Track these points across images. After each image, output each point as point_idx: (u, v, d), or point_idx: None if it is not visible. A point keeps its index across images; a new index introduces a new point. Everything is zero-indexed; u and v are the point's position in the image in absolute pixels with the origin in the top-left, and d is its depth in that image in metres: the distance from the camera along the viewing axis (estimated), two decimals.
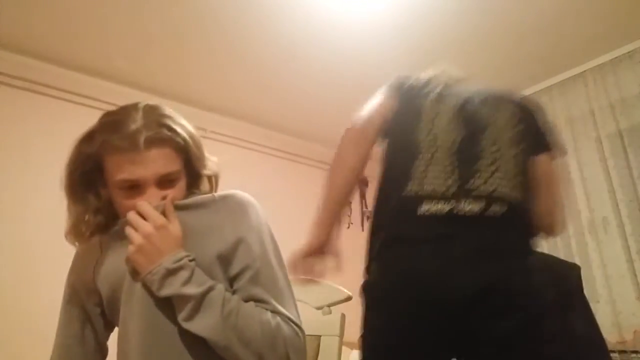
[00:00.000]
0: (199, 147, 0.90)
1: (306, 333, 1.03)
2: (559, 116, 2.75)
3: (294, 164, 3.43)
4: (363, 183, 2.76)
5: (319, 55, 2.53)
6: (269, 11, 2.18)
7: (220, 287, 0.78)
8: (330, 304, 1.01)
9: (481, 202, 0.95)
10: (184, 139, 0.85)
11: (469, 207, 0.94)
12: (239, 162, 3.12)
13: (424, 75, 1.30)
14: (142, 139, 0.80)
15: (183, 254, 0.78)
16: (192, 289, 0.75)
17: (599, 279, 2.39)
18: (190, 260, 0.78)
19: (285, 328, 0.78)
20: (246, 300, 0.79)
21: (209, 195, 0.89)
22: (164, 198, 0.83)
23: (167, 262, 0.77)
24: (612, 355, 1.78)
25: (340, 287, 1.05)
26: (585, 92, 2.65)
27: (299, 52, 2.50)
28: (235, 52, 2.49)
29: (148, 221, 0.79)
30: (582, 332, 1.19)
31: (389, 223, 1.01)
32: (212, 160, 0.96)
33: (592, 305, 1.24)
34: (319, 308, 1.03)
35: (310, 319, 1.04)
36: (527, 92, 2.89)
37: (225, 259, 0.81)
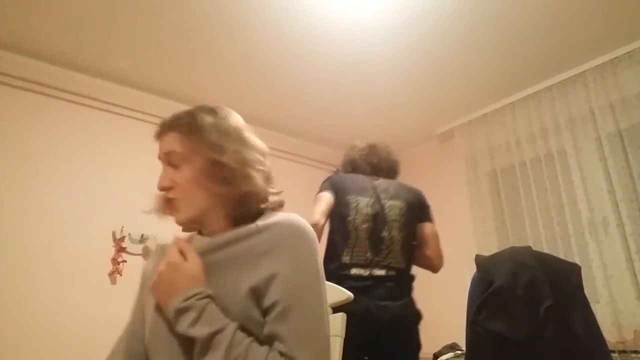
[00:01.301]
0: (220, 137, 0.87)
1: None
2: (559, 116, 2.75)
3: (294, 163, 3.43)
4: None
5: (320, 55, 2.53)
6: (269, 11, 2.18)
7: (231, 328, 0.73)
8: (332, 304, 1.01)
9: (384, 269, 1.74)
10: (190, 124, 0.88)
11: (378, 272, 1.73)
12: None
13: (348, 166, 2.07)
14: (161, 125, 0.91)
15: (194, 291, 0.76)
16: (198, 331, 0.73)
17: (599, 279, 2.39)
18: (203, 298, 0.76)
19: None
20: (269, 337, 0.74)
21: (252, 226, 0.84)
22: (171, 180, 0.87)
23: (176, 301, 0.76)
24: (612, 355, 1.78)
25: (342, 288, 1.05)
26: (585, 92, 2.65)
27: (299, 52, 2.50)
28: (235, 52, 2.49)
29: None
30: (582, 332, 1.19)
31: (334, 276, 1.62)
32: (273, 191, 0.93)
33: (592, 305, 1.24)
34: None
35: None
36: (527, 92, 2.90)
37: (257, 292, 0.77)
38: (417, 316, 1.76)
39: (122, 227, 2.52)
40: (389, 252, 1.76)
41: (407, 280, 1.82)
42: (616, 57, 2.52)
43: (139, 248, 2.55)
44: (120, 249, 2.49)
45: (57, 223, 2.35)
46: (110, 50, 2.44)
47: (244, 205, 0.88)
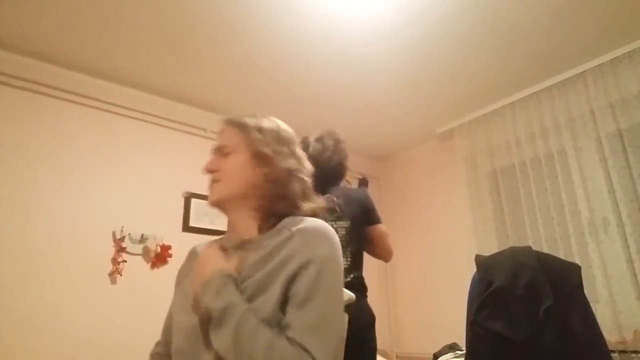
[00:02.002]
0: (275, 141, 1.00)
1: None
2: (559, 116, 2.75)
3: None
4: (363, 183, 2.80)
5: (319, 54, 2.53)
6: (269, 11, 2.18)
7: (243, 306, 0.78)
8: None
9: (348, 275, 1.81)
10: (252, 125, 1.01)
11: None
12: None
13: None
14: (226, 120, 1.06)
15: (219, 269, 0.84)
16: (214, 303, 0.79)
17: (599, 279, 2.39)
18: (225, 276, 0.82)
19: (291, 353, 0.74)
20: (284, 325, 0.79)
21: (285, 229, 0.91)
22: (217, 165, 0.99)
23: (203, 278, 0.84)
24: (612, 355, 1.78)
25: (344, 289, 1.05)
26: (585, 92, 2.65)
27: (299, 52, 2.50)
28: (235, 52, 2.49)
29: None
30: (582, 332, 1.19)
31: None
32: (310, 205, 1.00)
33: (592, 305, 1.24)
34: None
35: None
36: (527, 92, 2.90)
37: (288, 283, 0.82)
38: (371, 318, 1.78)
39: (122, 227, 2.52)
40: (347, 258, 1.84)
41: (362, 286, 1.86)
42: (616, 57, 2.52)
43: (139, 248, 2.55)
44: (120, 249, 2.49)
45: (57, 223, 2.35)
46: (111, 50, 2.44)
47: (274, 204, 0.96)
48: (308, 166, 1.04)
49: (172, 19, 2.21)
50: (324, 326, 0.79)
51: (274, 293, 0.81)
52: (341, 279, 0.88)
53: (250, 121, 1.02)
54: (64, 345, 2.16)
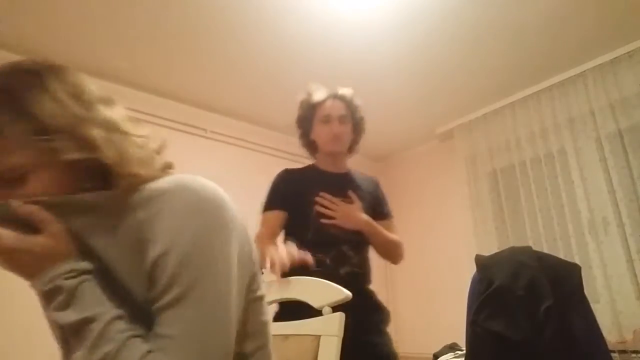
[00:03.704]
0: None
1: (306, 333, 1.03)
2: (559, 116, 2.75)
3: (295, 164, 3.42)
4: None
5: (319, 53, 2.53)
6: (269, 11, 2.18)
7: (106, 317, 0.58)
8: (330, 303, 1.01)
9: None
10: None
11: None
12: (239, 162, 3.12)
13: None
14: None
15: (61, 269, 0.60)
16: (65, 317, 0.58)
17: (599, 279, 2.39)
18: (75, 277, 0.60)
19: None
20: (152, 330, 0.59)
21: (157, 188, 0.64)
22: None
23: (39, 283, 0.61)
24: (612, 355, 1.78)
25: (340, 287, 1.05)
26: (585, 92, 2.65)
27: (299, 52, 2.50)
28: (235, 52, 2.49)
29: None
30: (582, 332, 1.19)
31: None
32: None
33: (592, 305, 1.24)
34: (319, 308, 1.03)
35: (309, 318, 1.04)
36: (527, 92, 2.90)
37: (149, 276, 0.60)
38: None
39: None
40: None
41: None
42: (616, 57, 2.52)
43: None
44: None
45: None
46: (110, 50, 2.44)
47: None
48: None
49: (172, 19, 2.21)
50: (206, 329, 0.60)
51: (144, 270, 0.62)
52: (224, 254, 0.64)
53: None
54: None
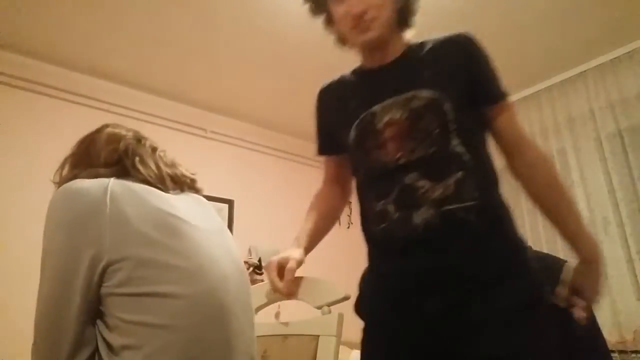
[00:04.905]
0: None
1: (305, 333, 1.03)
2: (559, 116, 2.75)
3: (294, 163, 3.42)
4: None
5: (320, 54, 2.53)
6: (269, 11, 2.18)
7: None
8: (329, 303, 1.01)
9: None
10: None
11: None
12: (239, 162, 3.12)
13: None
14: None
15: None
16: None
17: None
18: None
19: None
20: None
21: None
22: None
23: None
24: (612, 355, 1.78)
25: (338, 287, 1.04)
26: (585, 92, 2.65)
27: (300, 52, 2.50)
28: (235, 52, 2.49)
29: None
30: (582, 332, 1.19)
31: None
32: None
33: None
34: (318, 307, 1.03)
35: (308, 318, 1.04)
36: (527, 92, 2.89)
37: None
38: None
39: None
40: None
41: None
42: (616, 57, 2.52)
43: None
44: None
45: None
46: (110, 50, 2.44)
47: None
48: None
49: (172, 19, 2.21)
50: (38, 317, 0.79)
51: None
52: (55, 242, 0.83)
53: None
54: None
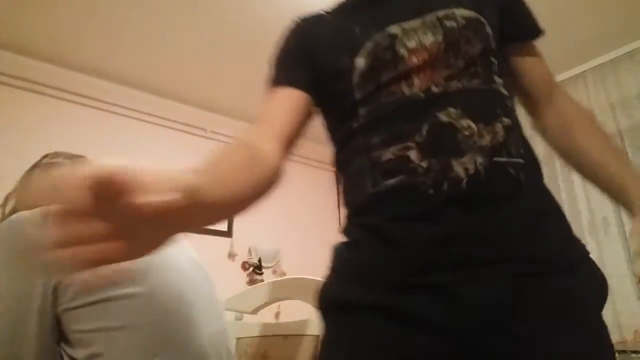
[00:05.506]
0: None
1: (305, 333, 1.03)
2: None
3: (294, 163, 3.42)
4: None
5: None
6: (269, 11, 2.18)
7: None
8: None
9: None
10: None
11: None
12: None
13: None
14: None
15: None
16: None
17: None
18: None
19: None
20: None
21: None
22: None
23: None
24: None
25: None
26: (585, 92, 2.65)
27: None
28: (235, 52, 2.49)
29: None
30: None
31: None
32: None
33: None
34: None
35: (309, 318, 1.04)
36: None
37: None
38: None
39: None
40: None
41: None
42: (616, 57, 2.52)
43: None
44: None
45: None
46: (111, 50, 2.44)
47: None
48: None
49: (172, 19, 2.21)
50: None
51: None
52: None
53: None
54: None
